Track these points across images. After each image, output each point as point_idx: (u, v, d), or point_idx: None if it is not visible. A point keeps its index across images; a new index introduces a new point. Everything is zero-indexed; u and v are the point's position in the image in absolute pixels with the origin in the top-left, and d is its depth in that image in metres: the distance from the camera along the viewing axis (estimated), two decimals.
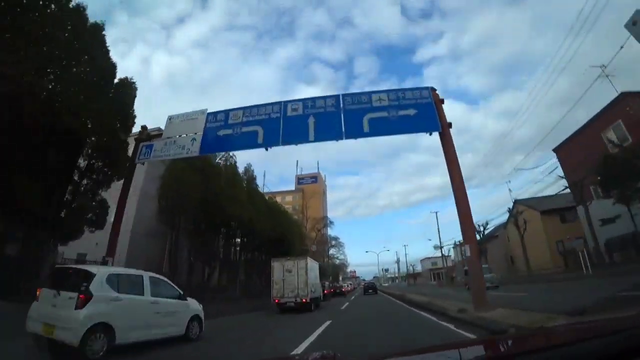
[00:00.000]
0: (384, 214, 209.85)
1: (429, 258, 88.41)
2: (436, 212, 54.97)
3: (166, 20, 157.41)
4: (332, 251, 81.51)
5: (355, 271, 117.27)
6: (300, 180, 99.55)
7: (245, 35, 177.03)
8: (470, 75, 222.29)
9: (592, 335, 1.30)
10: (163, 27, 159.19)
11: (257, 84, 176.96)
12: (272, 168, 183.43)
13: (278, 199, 62.23)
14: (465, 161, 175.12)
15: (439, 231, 52.29)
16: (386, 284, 52.14)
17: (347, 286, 57.42)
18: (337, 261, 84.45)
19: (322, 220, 60.13)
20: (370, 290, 39.09)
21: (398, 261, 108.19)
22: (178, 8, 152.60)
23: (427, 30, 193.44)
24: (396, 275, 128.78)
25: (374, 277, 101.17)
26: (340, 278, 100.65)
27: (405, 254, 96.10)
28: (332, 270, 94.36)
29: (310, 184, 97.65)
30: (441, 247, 53.87)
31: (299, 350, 6.44)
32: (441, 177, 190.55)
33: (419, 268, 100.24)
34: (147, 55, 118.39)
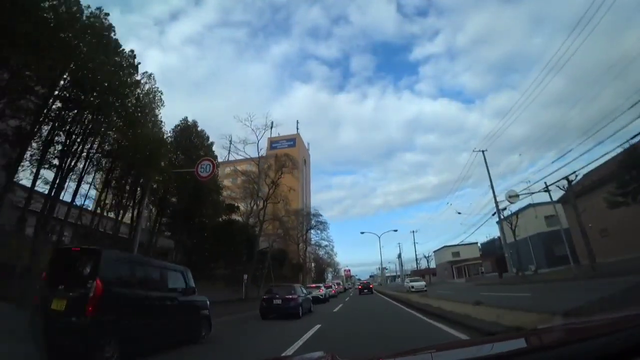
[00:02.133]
0: (381, 214, 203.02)
1: (448, 247, 63.93)
2: (483, 151, 30.59)
3: (159, 16, 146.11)
4: (313, 236, 56.61)
5: (350, 270, 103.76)
6: (273, 143, 74.91)
7: (240, 32, 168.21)
8: (466, 74, 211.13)
9: (590, 335, 1.27)
10: (156, 24, 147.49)
11: (251, 81, 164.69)
12: None
13: (244, 166, 45.82)
14: (461, 161, 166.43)
15: (489, 174, 26.51)
16: (417, 282, 28.44)
17: (329, 287, 32.80)
18: (322, 252, 59.59)
19: (282, 160, 35.16)
20: (365, 290, 37.07)
21: (400, 255, 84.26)
22: (171, 4, 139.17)
23: (423, 28, 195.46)
24: (397, 273, 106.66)
25: (370, 277, 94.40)
26: (330, 276, 75.86)
27: (414, 243, 71.51)
28: (315, 266, 69.75)
29: (286, 149, 72.95)
30: (497, 208, 29.29)
31: None
32: (438, 177, 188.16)
33: (427, 262, 75.46)
34: (140, 52, 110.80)
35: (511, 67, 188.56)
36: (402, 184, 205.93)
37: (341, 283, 50.70)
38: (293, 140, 73.83)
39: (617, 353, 1.00)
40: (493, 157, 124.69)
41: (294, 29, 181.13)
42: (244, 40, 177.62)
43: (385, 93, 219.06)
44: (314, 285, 25.48)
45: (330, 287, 33.85)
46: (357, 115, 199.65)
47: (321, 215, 52.53)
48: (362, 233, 52.64)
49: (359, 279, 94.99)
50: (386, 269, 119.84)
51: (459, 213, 45.43)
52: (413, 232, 69.57)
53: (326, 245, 54.62)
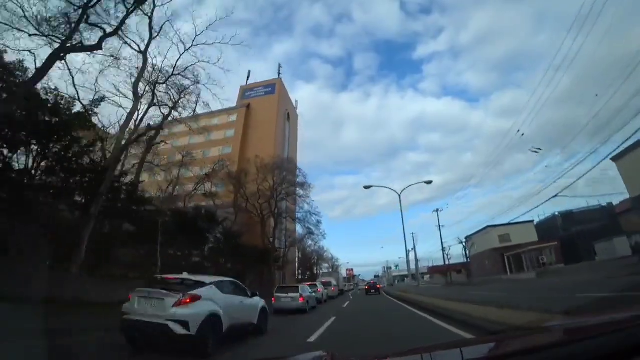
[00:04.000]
0: (383, 214, 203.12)
1: (493, 227, 44.12)
2: None
3: (160, 15, 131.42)
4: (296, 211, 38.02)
5: (352, 269, 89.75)
6: (246, 92, 55.84)
7: (242, 31, 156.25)
8: (470, 73, 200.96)
9: (591, 335, 1.30)
10: (157, 23, 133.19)
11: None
12: None
13: (203, 121, 32.62)
14: (463, 160, 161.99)
15: None
16: None
17: (291, 294, 14.02)
18: (302, 231, 40.34)
19: None
20: (372, 291, 34.93)
21: (413, 249, 65.41)
22: (173, 3, 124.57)
23: (426, 25, 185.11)
24: (407, 272, 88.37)
25: (374, 277, 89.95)
26: (320, 272, 56.28)
27: (439, 226, 51.68)
28: (301, 258, 50.77)
29: (263, 97, 53.82)
30: None
31: None
32: (441, 177, 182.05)
33: (464, 252, 55.15)
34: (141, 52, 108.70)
35: (515, 65, 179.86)
36: (405, 184, 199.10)
37: (334, 283, 31.30)
38: (271, 87, 54.41)
39: (617, 353, 0.99)
40: (492, 157, 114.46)
41: (297, 28, 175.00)
42: (246, 39, 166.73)
43: (388, 92, 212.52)
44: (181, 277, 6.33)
45: (295, 290, 14.62)
46: (360, 115, 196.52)
47: (301, 170, 33.41)
48: (367, 187, 32.25)
49: (363, 280, 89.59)
50: (390, 269, 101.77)
51: (538, 150, 25.99)
52: (437, 210, 49.90)
53: (306, 218, 35.16)
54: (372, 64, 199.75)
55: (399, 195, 23.54)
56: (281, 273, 37.00)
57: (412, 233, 70.54)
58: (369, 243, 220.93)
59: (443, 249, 48.64)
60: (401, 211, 23.14)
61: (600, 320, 1.75)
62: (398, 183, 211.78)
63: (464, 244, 43.53)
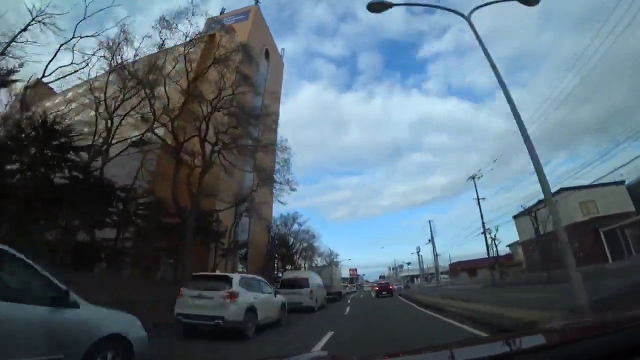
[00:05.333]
0: (386, 215, 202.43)
1: (569, 190, 28.68)
2: None
3: (164, 15, 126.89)
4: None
5: (356, 269, 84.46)
6: (213, 24, 41.71)
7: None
8: (474, 73, 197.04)
9: (591, 335, 1.29)
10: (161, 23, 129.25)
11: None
12: None
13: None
14: (468, 161, 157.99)
15: None
16: None
17: None
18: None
19: None
20: (384, 292, 31.35)
21: (431, 240, 52.54)
22: (176, 3, 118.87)
23: (431, 24, 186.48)
24: (426, 270, 76.20)
25: (380, 277, 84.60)
26: (305, 266, 41.32)
27: (478, 199, 37.51)
28: (276, 236, 36.83)
29: (232, 24, 39.82)
30: None
31: None
32: (446, 177, 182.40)
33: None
34: (144, 52, 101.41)
35: (519, 64, 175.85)
36: (409, 185, 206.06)
37: (317, 282, 15.82)
38: (245, 14, 40.67)
39: (617, 353, 0.98)
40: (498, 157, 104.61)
41: (300, 27, 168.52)
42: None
43: (392, 92, 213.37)
44: None
45: None
46: (364, 115, 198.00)
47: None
48: (375, 10, 12.45)
49: (367, 281, 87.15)
50: (402, 267, 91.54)
51: None
52: (473, 178, 35.46)
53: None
54: (376, 64, 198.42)
55: (469, 20, 9.38)
56: (228, 260, 22.61)
57: (429, 221, 54.80)
58: (372, 244, 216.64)
59: (485, 231, 33.65)
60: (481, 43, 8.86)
61: (600, 320, 1.78)
62: (402, 184, 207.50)
63: (533, 215, 27.65)
